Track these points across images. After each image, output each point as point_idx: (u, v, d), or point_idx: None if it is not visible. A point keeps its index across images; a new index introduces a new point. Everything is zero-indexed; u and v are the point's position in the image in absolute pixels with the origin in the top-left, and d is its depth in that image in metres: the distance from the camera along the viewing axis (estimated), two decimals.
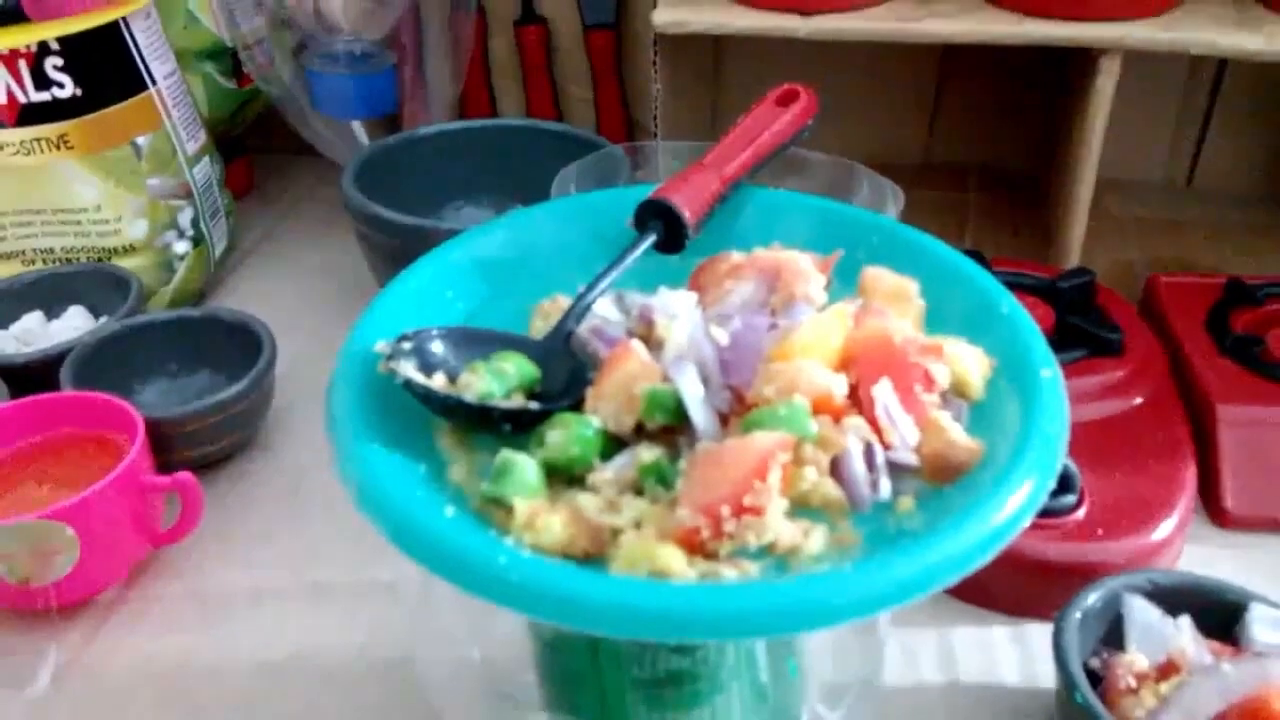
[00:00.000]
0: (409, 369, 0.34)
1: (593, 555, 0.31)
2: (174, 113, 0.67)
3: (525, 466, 0.32)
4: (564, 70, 0.87)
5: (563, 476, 0.33)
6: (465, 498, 0.33)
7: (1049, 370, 0.34)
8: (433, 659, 0.41)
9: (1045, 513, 0.47)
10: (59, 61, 0.60)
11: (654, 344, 0.36)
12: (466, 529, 0.29)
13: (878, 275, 0.39)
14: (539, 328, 0.41)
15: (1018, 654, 0.45)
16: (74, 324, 0.62)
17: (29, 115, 0.61)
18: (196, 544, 0.51)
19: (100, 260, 0.65)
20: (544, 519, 0.30)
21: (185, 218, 0.68)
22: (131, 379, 0.58)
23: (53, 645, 0.46)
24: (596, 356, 0.37)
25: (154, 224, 0.66)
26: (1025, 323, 0.36)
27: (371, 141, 0.75)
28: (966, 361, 0.35)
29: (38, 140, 0.61)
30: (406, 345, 0.35)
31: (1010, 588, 0.46)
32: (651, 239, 0.42)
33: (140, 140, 0.64)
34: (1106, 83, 0.60)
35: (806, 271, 0.38)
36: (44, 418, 0.51)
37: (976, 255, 0.60)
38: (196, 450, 0.54)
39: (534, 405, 0.34)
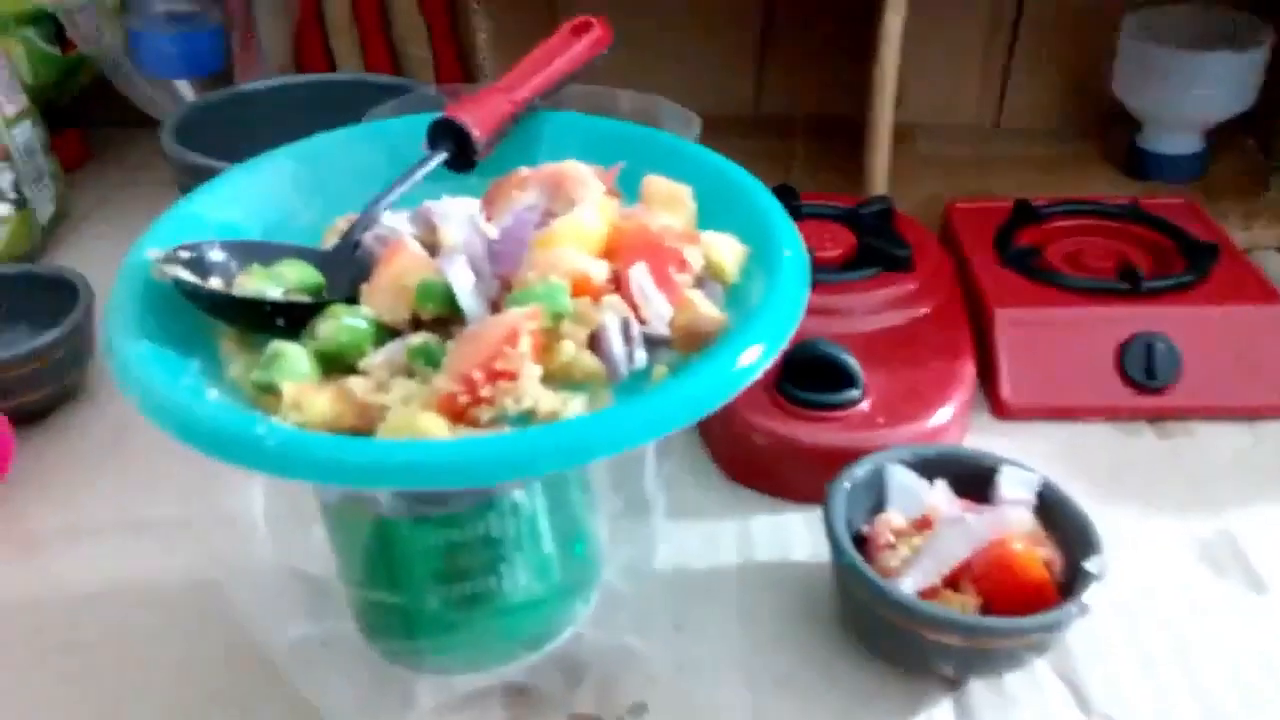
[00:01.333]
0: (179, 271, 0.35)
1: (363, 432, 0.33)
2: None
3: (295, 354, 0.33)
4: (401, 30, 0.87)
5: (340, 368, 0.34)
6: (241, 392, 0.34)
7: (790, 251, 0.37)
8: (241, 570, 0.42)
9: (832, 405, 0.50)
10: None
11: (438, 249, 0.38)
12: (226, 408, 0.31)
13: (657, 183, 0.41)
14: (331, 243, 0.42)
15: (808, 535, 0.48)
16: None
17: None
18: (12, 490, 0.51)
19: None
20: (309, 397, 0.32)
21: (5, 180, 0.67)
22: None
23: None
24: (373, 255, 0.39)
25: None
26: (776, 213, 0.40)
27: (192, 101, 0.74)
28: (721, 248, 0.38)
29: None
30: (184, 254, 0.37)
31: (800, 476, 0.50)
32: (442, 156, 0.44)
33: None
34: (894, 20, 0.64)
35: (586, 179, 0.41)
36: None
37: (787, 190, 0.64)
38: (14, 400, 0.54)
39: (304, 299, 0.35)
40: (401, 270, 0.36)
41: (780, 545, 0.48)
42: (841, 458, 0.49)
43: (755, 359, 0.33)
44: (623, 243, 0.37)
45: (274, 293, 0.35)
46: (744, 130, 0.85)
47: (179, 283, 0.34)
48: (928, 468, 0.44)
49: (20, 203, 0.68)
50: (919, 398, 0.52)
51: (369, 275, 0.39)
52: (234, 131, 0.70)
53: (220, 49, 0.76)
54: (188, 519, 0.50)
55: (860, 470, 0.44)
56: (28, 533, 0.50)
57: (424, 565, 0.36)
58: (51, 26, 0.76)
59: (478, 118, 0.45)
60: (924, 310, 0.58)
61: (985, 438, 0.54)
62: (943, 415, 0.52)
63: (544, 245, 0.36)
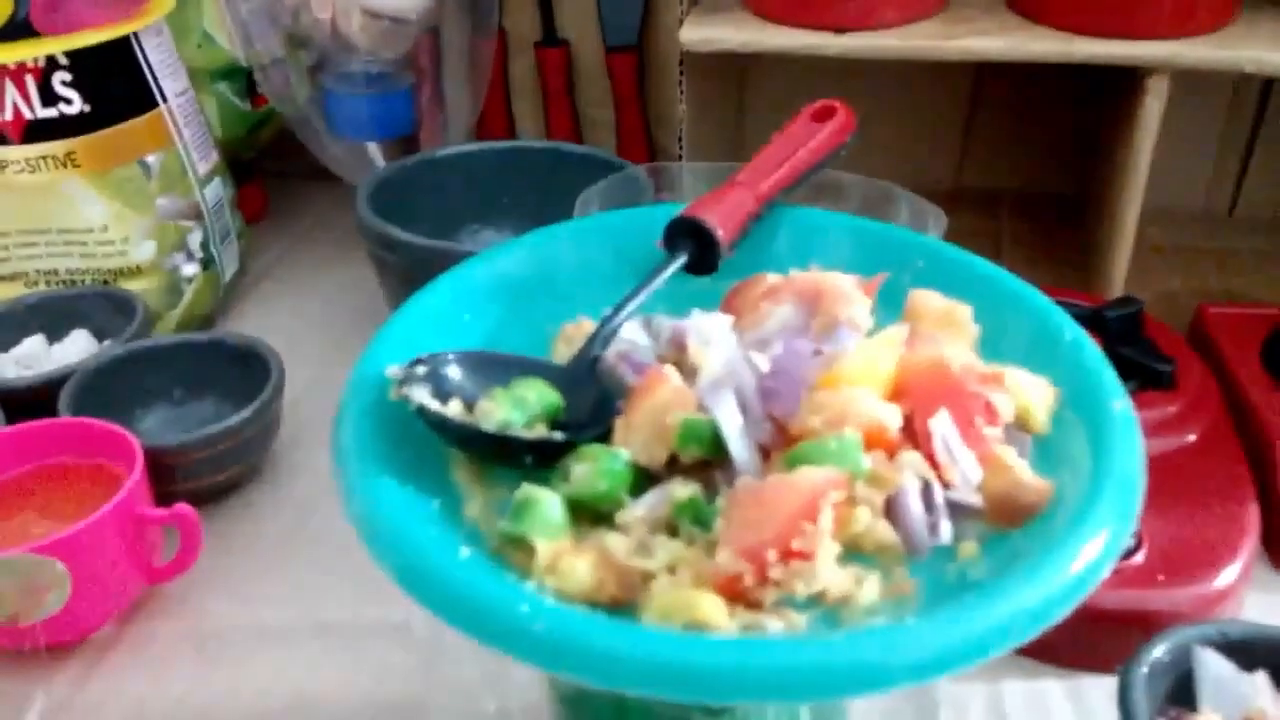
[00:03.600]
0: (422, 395, 0.31)
1: (622, 602, 0.28)
2: (185, 132, 0.65)
3: (548, 503, 0.29)
4: (585, 92, 0.85)
5: (589, 514, 0.30)
6: (482, 537, 0.30)
7: (1120, 402, 0.31)
8: (444, 708, 0.38)
9: None
10: (67, 77, 0.58)
11: (687, 371, 0.34)
12: (483, 572, 0.26)
13: (926, 299, 0.36)
14: (562, 353, 0.38)
15: (1073, 710, 0.41)
16: (77, 348, 0.60)
17: (35, 132, 0.59)
18: (195, 580, 0.48)
19: (105, 282, 0.63)
20: (568, 561, 0.27)
21: (194, 240, 0.66)
22: (133, 405, 0.56)
23: (40, 689, 0.44)
24: (624, 384, 0.35)
25: (162, 246, 0.64)
26: (1091, 351, 0.34)
27: (387, 163, 0.73)
28: (1030, 392, 0.32)
29: (44, 158, 0.59)
30: (420, 370, 0.33)
31: (1064, 638, 0.42)
32: (682, 259, 0.39)
33: (150, 159, 0.63)
34: (1154, 104, 0.57)
35: (849, 294, 0.36)
36: (39, 445, 0.48)
37: None
38: (198, 481, 0.52)
39: (558, 435, 0.31)
40: (661, 405, 0.31)
41: (1038, 715, 0.41)
42: (1114, 620, 0.42)
43: (1099, 553, 0.27)
44: (914, 382, 0.31)
45: (525, 431, 0.31)
46: (944, 204, 0.79)
47: (424, 412, 0.30)
48: (1239, 652, 0.37)
49: (207, 262, 0.67)
50: (1201, 549, 0.45)
51: (610, 398, 0.34)
52: (424, 196, 0.68)
53: (410, 112, 0.74)
54: (376, 624, 0.46)
55: (1160, 651, 0.37)
56: (208, 631, 0.47)
57: None
58: (243, 81, 0.76)
59: (720, 216, 0.40)
60: (1189, 437, 0.51)
61: (1269, 596, 0.47)
62: (1230, 573, 0.44)
63: (828, 385, 0.30)
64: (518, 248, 0.42)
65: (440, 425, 0.31)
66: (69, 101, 0.59)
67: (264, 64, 0.72)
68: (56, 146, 0.59)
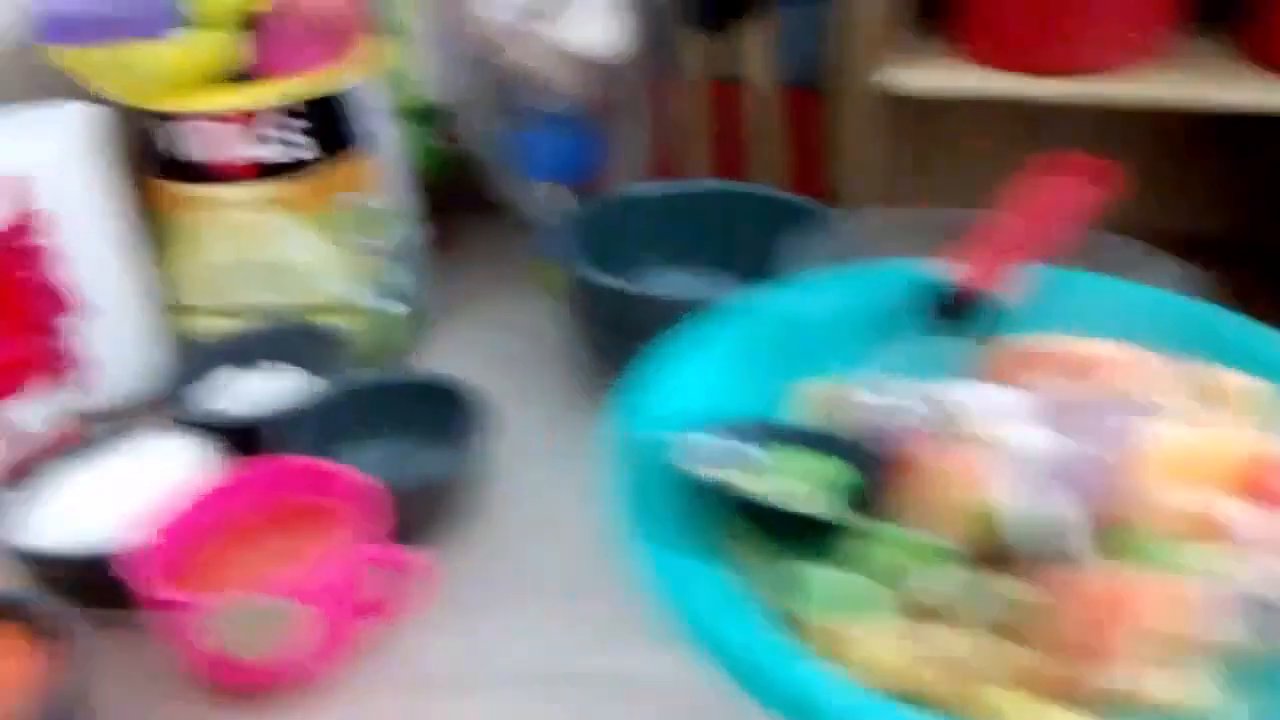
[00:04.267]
0: (733, 476, 0.30)
1: (936, 691, 0.26)
2: (390, 174, 0.67)
3: (833, 583, 0.28)
4: (756, 129, 0.84)
5: (888, 595, 0.29)
6: (768, 606, 0.29)
7: None
8: None
9: None
10: (290, 122, 0.61)
11: (962, 441, 0.32)
12: (824, 677, 0.25)
13: (1224, 377, 0.34)
14: (816, 413, 0.37)
15: None
16: (285, 381, 0.62)
17: (260, 173, 0.61)
18: (412, 620, 0.49)
19: (311, 317, 0.65)
20: (879, 645, 0.26)
21: (394, 278, 0.68)
22: (344, 441, 0.57)
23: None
24: (898, 453, 0.33)
25: (365, 283, 0.65)
26: None
27: (580, 203, 0.73)
28: None
29: (263, 199, 0.62)
30: (701, 438, 0.32)
31: None
32: (939, 321, 0.38)
33: (358, 201, 0.64)
34: None
35: (1142, 370, 0.34)
36: (273, 483, 0.50)
37: None
38: (407, 519, 0.52)
39: (852, 517, 0.30)
40: (955, 488, 0.29)
41: None
42: None
43: None
44: (1247, 474, 0.29)
45: (822, 509, 0.30)
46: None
47: (726, 487, 0.30)
48: None
49: (402, 299, 0.69)
50: None
51: (884, 468, 0.33)
52: (613, 236, 0.68)
53: (595, 154, 0.75)
54: (591, 677, 0.46)
55: None
56: (420, 678, 0.47)
57: None
58: (434, 122, 0.78)
59: (985, 280, 0.39)
60: None
61: None
62: None
63: (1157, 474, 0.28)
64: (761, 303, 0.41)
65: (736, 500, 0.30)
66: (291, 145, 0.61)
67: (460, 105, 0.74)
68: (275, 188, 0.62)
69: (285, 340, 0.63)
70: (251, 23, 0.59)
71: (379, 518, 0.49)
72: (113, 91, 0.60)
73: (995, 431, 0.31)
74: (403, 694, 0.46)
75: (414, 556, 0.46)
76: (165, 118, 0.60)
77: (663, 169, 0.86)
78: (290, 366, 0.63)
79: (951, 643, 0.27)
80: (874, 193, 0.66)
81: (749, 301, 0.41)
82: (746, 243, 0.70)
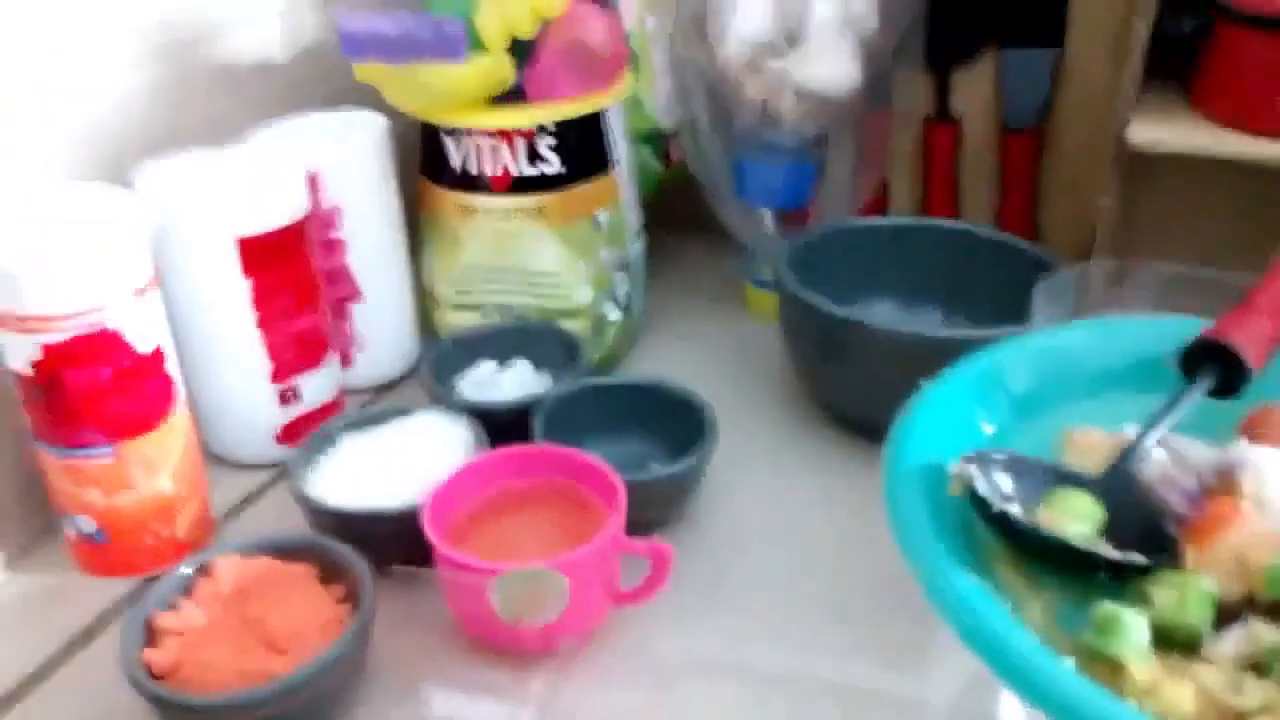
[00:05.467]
0: (1009, 506, 0.33)
1: None
2: (626, 192, 0.72)
3: (1137, 626, 0.30)
4: (969, 170, 0.86)
5: (1164, 640, 0.31)
6: (1045, 639, 0.32)
7: None
8: None
9: None
10: (551, 141, 0.67)
11: (1248, 501, 0.34)
12: (1099, 691, 0.28)
13: None
14: (1073, 459, 0.40)
15: None
16: (521, 376, 0.68)
17: (517, 186, 0.67)
18: (642, 609, 0.53)
19: (548, 320, 0.71)
20: (1172, 689, 0.29)
21: (621, 288, 0.73)
22: (583, 435, 0.62)
23: (531, 684, 0.50)
24: (1168, 506, 0.36)
25: (598, 292, 0.71)
26: None
27: (792, 230, 0.77)
28: None
29: (519, 209, 0.68)
30: (973, 469, 0.35)
31: None
32: (1209, 383, 0.40)
33: (600, 216, 0.70)
34: None
35: None
36: (534, 466, 0.55)
37: None
38: (635, 516, 0.57)
39: (1140, 558, 0.33)
40: (1244, 543, 0.32)
41: None
42: None
43: None
44: None
45: (1110, 549, 0.33)
46: None
47: (1007, 518, 0.33)
48: None
49: (628, 309, 0.74)
50: None
51: (1155, 518, 0.35)
52: (819, 267, 0.72)
53: (809, 185, 0.78)
54: (811, 684, 0.49)
55: None
56: (657, 659, 0.52)
57: None
58: (661, 144, 0.83)
59: (1248, 340, 0.40)
60: None
61: None
62: None
63: None
64: (1024, 345, 0.44)
65: (1014, 531, 0.33)
66: (548, 162, 0.67)
67: (685, 130, 0.79)
68: (531, 200, 0.68)
69: (530, 338, 0.69)
70: (522, 48, 0.66)
71: (624, 507, 0.54)
72: (402, 104, 0.67)
73: (1275, 491, 0.33)
74: (640, 675, 0.51)
75: (657, 546, 0.51)
76: (442, 130, 0.67)
77: (874, 203, 0.89)
78: (527, 362, 0.69)
79: (1225, 686, 0.29)
80: (1097, 242, 0.67)
81: (1006, 342, 0.44)
82: (955, 280, 0.72)
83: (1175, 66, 0.68)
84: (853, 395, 0.66)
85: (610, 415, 0.64)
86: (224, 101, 0.71)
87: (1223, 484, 0.35)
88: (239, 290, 0.60)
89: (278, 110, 0.71)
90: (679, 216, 0.88)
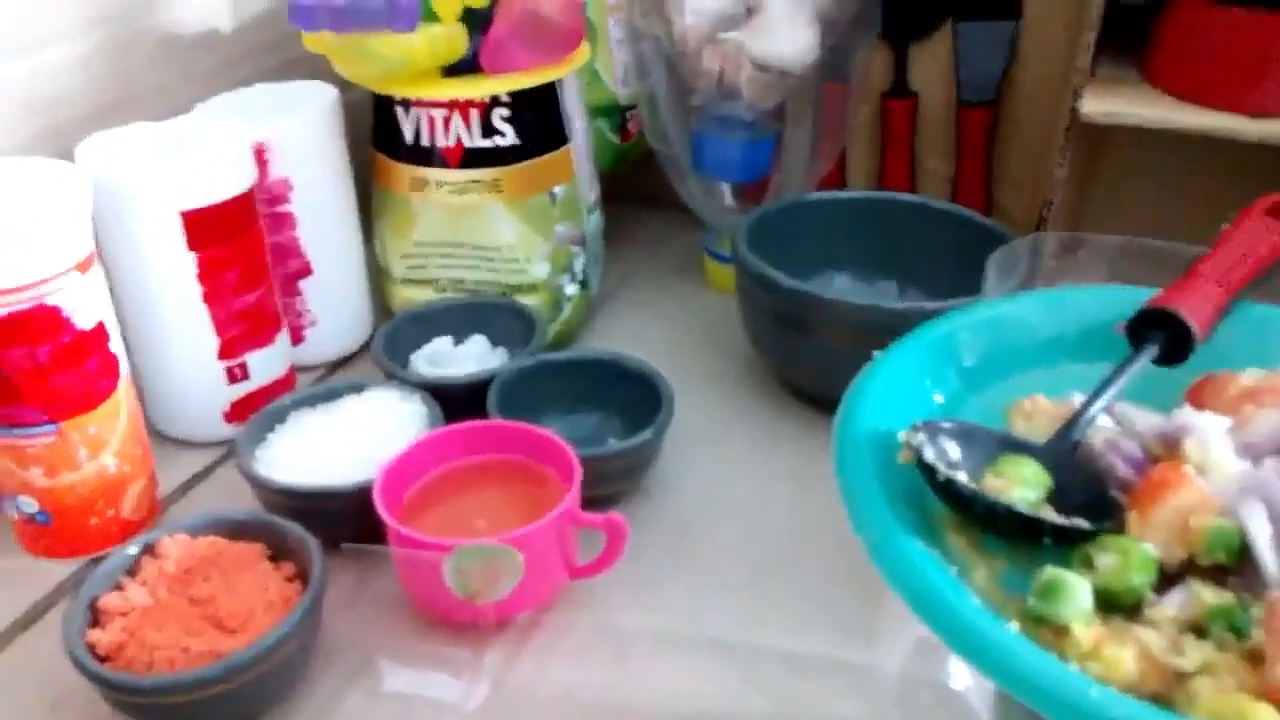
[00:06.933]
0: (956, 473, 0.33)
1: (1158, 697, 0.29)
2: (583, 165, 0.71)
3: (1078, 589, 0.31)
4: (926, 144, 0.86)
5: (1106, 604, 0.31)
6: (990, 605, 0.32)
7: None
8: None
9: None
10: (505, 113, 0.66)
11: (1190, 466, 0.34)
12: (1038, 652, 0.28)
13: None
14: (1021, 427, 0.40)
15: None
16: (478, 351, 0.67)
17: (470, 159, 0.66)
18: (596, 581, 0.53)
19: (504, 294, 0.70)
20: (1113, 651, 0.29)
21: (578, 263, 0.72)
22: (539, 409, 0.61)
23: (485, 658, 0.49)
24: (1113, 472, 0.36)
25: (554, 267, 0.70)
26: None
27: (750, 203, 0.77)
28: None
29: (474, 182, 0.67)
30: (921, 436, 0.35)
31: None
32: (1154, 350, 0.40)
33: (556, 190, 0.69)
34: None
35: None
36: (487, 443, 0.55)
37: None
38: (593, 490, 0.57)
39: (1083, 523, 0.33)
40: (1186, 507, 0.32)
41: None
42: None
43: None
44: None
45: (1056, 516, 0.33)
46: None
47: (953, 484, 0.33)
48: None
49: (585, 284, 0.73)
50: None
51: (1099, 484, 0.36)
52: (780, 241, 0.72)
53: (770, 157, 0.78)
54: (763, 649, 0.49)
55: None
56: (614, 630, 0.52)
57: None
58: (618, 118, 0.83)
59: (1193, 308, 0.41)
60: None
61: None
62: None
63: None
64: (974, 315, 0.44)
65: (961, 498, 0.33)
66: (503, 135, 0.66)
67: (643, 103, 0.78)
68: (486, 174, 0.67)
69: (485, 313, 0.68)
70: (476, 18, 0.64)
71: (579, 481, 0.54)
72: (352, 75, 0.65)
73: (1213, 459, 0.34)
74: (598, 644, 0.51)
75: (612, 519, 0.51)
76: (394, 102, 0.66)
77: (832, 175, 0.89)
78: (483, 337, 0.68)
79: (1167, 648, 0.29)
80: (1050, 214, 0.68)
81: (957, 312, 0.44)
82: (911, 253, 0.72)
83: (1132, 39, 0.69)
84: (809, 368, 0.66)
85: (568, 390, 0.63)
86: (169, 73, 0.69)
87: (1167, 450, 0.36)
88: (184, 265, 0.59)
89: (225, 82, 0.70)
90: (637, 190, 0.88)
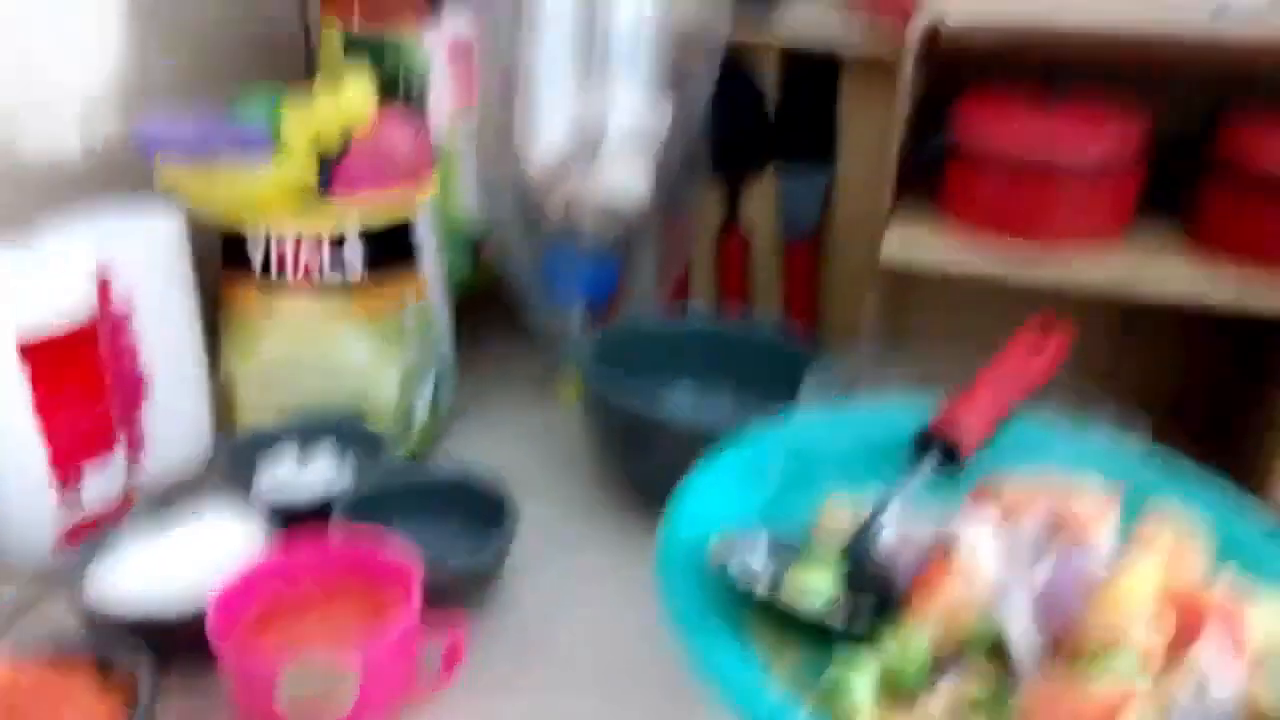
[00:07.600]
0: (755, 585, 0.37)
1: None
2: (434, 289, 0.74)
3: (858, 686, 0.34)
4: (760, 268, 0.93)
5: (891, 685, 0.35)
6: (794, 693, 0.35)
7: None
8: None
9: None
10: (355, 240, 0.68)
11: (960, 567, 0.39)
12: None
13: (1159, 528, 0.41)
14: (824, 532, 0.44)
15: None
16: (324, 469, 0.68)
17: (321, 283, 0.68)
18: (444, 694, 0.54)
19: (353, 413, 0.71)
20: None
21: (428, 383, 0.74)
22: (382, 525, 0.62)
23: None
24: (903, 571, 0.40)
25: (405, 386, 0.72)
26: None
27: (597, 324, 0.81)
28: (1272, 617, 0.37)
29: (324, 305, 0.69)
30: (725, 549, 0.39)
31: None
32: (934, 463, 0.45)
33: (408, 311, 0.71)
34: None
35: (1096, 515, 0.41)
36: (320, 559, 0.55)
37: None
38: (436, 604, 0.58)
39: (859, 627, 0.37)
40: (955, 603, 0.36)
41: None
42: None
43: None
44: (1178, 605, 0.36)
45: (835, 617, 0.37)
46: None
47: (749, 590, 0.37)
48: None
49: (436, 406, 0.75)
50: None
51: (889, 579, 0.40)
52: (619, 363, 0.75)
53: (615, 283, 0.83)
54: None
55: None
56: None
57: None
58: (471, 243, 0.86)
59: (965, 429, 0.46)
60: None
61: None
62: None
63: (1108, 604, 0.36)
64: (778, 433, 0.48)
65: (763, 603, 0.37)
66: (354, 260, 0.68)
67: (494, 228, 0.82)
68: (337, 296, 0.69)
69: (330, 430, 0.69)
70: (327, 151, 0.67)
71: (420, 597, 0.55)
72: (202, 204, 0.67)
73: (979, 563, 0.38)
74: None
75: (453, 633, 0.52)
76: (244, 230, 0.68)
77: (674, 298, 0.94)
78: (334, 455, 0.69)
79: None
80: (864, 333, 0.75)
81: (769, 428, 0.49)
82: (743, 371, 0.78)
83: (935, 183, 0.77)
84: (647, 477, 0.69)
85: (418, 502, 0.65)
86: (9, 191, 0.69)
87: (944, 552, 0.40)
88: (17, 391, 0.58)
89: (69, 200, 0.70)
90: (490, 312, 0.91)
